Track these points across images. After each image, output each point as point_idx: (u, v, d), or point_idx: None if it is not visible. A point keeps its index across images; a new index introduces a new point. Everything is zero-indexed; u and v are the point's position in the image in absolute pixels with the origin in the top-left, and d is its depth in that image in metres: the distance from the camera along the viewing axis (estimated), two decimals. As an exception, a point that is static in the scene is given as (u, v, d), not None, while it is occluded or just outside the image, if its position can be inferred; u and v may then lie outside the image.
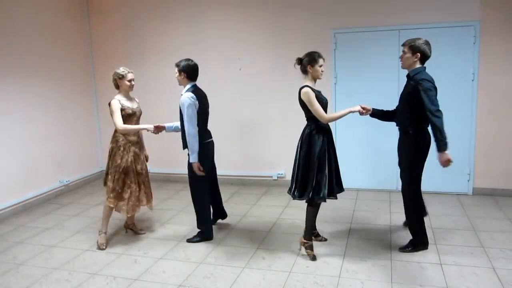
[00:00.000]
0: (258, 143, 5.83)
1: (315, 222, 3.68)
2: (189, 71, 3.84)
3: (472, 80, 4.96)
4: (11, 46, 4.97)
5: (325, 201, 3.46)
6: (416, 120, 3.46)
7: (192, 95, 3.77)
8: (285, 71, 5.55)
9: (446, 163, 3.31)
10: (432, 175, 5.19)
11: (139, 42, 6.12)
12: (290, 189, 3.63)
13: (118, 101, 3.83)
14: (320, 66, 3.50)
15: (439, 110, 3.30)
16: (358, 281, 3.16)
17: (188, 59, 3.89)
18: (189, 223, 4.41)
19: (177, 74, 3.85)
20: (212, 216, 4.24)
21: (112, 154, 3.87)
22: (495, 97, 4.94)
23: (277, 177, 5.84)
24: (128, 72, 3.89)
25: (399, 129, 3.69)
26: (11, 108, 4.99)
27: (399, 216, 4.45)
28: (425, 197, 5.06)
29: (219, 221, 4.42)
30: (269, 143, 5.80)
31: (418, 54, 3.40)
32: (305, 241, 3.57)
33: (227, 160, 5.96)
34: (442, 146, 3.31)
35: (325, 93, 3.71)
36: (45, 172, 5.48)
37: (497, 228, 4.09)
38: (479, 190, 5.12)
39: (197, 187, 3.97)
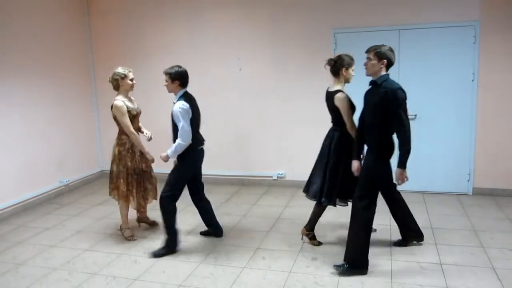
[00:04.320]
0: (258, 143, 5.83)
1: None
2: (182, 78, 3.69)
3: (472, 80, 4.96)
4: (11, 46, 4.97)
5: (347, 204, 3.67)
6: (384, 133, 3.24)
7: (186, 104, 3.62)
8: (286, 70, 5.56)
9: (404, 180, 3.20)
10: (432, 175, 5.22)
11: (139, 42, 6.12)
12: (312, 193, 3.71)
13: (123, 103, 3.82)
14: (353, 70, 3.52)
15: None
16: (358, 281, 3.16)
17: (178, 66, 3.72)
18: (189, 223, 4.40)
19: (169, 82, 3.67)
20: (207, 230, 4.10)
21: (120, 158, 3.90)
22: (495, 97, 4.93)
23: (277, 177, 5.83)
24: (129, 71, 3.89)
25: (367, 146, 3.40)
26: (11, 108, 4.99)
27: (399, 216, 4.46)
28: (425, 197, 5.10)
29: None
30: (270, 143, 5.79)
31: (385, 60, 3.20)
32: (308, 232, 3.80)
33: (227, 160, 5.96)
34: (405, 163, 3.15)
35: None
36: (45, 172, 5.48)
37: (497, 228, 4.09)
38: (479, 190, 5.11)
39: (170, 190, 3.71)
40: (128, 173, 3.90)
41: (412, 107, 5.09)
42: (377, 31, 5.11)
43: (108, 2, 6.21)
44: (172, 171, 3.80)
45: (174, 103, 3.70)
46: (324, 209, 3.75)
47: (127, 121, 3.82)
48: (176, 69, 3.69)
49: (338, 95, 3.44)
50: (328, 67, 3.56)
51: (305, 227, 3.85)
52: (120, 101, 3.82)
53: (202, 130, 3.90)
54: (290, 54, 5.54)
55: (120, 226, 4.20)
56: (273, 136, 5.77)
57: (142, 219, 4.37)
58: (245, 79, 5.76)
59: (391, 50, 3.28)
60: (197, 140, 3.74)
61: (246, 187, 5.86)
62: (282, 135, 5.68)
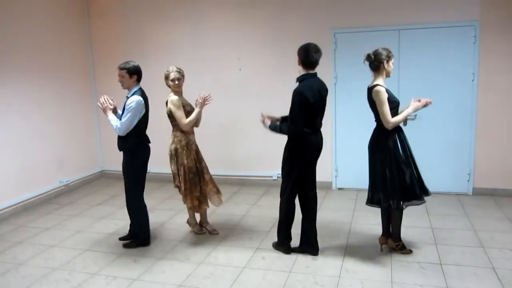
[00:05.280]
0: (258, 143, 5.82)
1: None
2: (139, 73, 3.76)
3: (472, 80, 4.96)
4: (11, 46, 4.97)
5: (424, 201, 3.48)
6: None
7: (141, 100, 3.68)
8: (285, 70, 5.55)
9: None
10: (432, 175, 5.21)
11: (139, 42, 6.12)
12: (377, 201, 3.48)
13: (178, 99, 3.81)
14: (393, 63, 3.43)
15: None
16: (358, 281, 3.16)
17: (133, 61, 3.78)
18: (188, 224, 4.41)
19: (126, 76, 3.69)
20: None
21: (176, 155, 3.86)
22: (495, 97, 4.93)
23: (277, 177, 5.83)
24: (172, 71, 3.84)
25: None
26: (11, 108, 5.00)
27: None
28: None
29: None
30: (269, 143, 5.78)
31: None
32: (396, 243, 3.57)
33: (227, 160, 5.96)
34: (273, 128, 3.86)
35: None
36: (45, 172, 5.48)
37: (497, 228, 4.09)
38: (479, 190, 5.11)
39: (133, 190, 3.84)
40: (186, 171, 3.84)
41: (412, 107, 5.16)
42: (377, 31, 5.11)
43: (108, 2, 6.21)
44: (129, 168, 3.82)
45: (127, 97, 3.74)
46: (401, 213, 3.51)
47: (180, 115, 3.77)
48: (132, 63, 3.76)
49: (376, 88, 3.32)
50: (367, 63, 3.42)
51: (392, 240, 3.60)
52: (174, 96, 3.83)
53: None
54: (290, 54, 5.49)
55: (187, 220, 4.22)
56: (273, 136, 5.74)
57: (203, 223, 4.22)
58: (245, 79, 5.76)
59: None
60: (146, 138, 3.90)
61: (246, 187, 5.86)
62: (282, 135, 5.67)
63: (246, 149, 5.90)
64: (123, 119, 3.65)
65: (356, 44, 5.29)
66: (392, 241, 3.59)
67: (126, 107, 3.66)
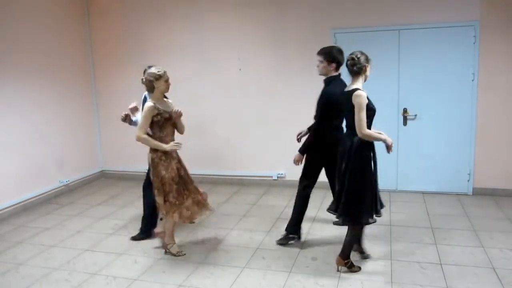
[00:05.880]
0: (258, 143, 5.82)
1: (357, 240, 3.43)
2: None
3: (472, 80, 4.96)
4: (11, 46, 4.97)
5: (375, 221, 3.27)
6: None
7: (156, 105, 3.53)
8: (285, 70, 5.56)
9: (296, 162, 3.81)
10: (432, 175, 5.22)
11: (139, 42, 6.12)
12: (335, 209, 3.30)
13: (154, 105, 3.43)
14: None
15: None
16: (358, 281, 3.16)
17: (156, 66, 3.62)
18: (187, 225, 4.40)
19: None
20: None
21: (154, 166, 3.51)
22: (495, 97, 4.93)
23: (277, 177, 5.83)
24: (164, 71, 3.50)
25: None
26: (11, 108, 4.99)
27: (399, 216, 4.46)
28: (425, 197, 5.10)
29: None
30: (270, 143, 5.79)
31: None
32: (345, 261, 3.29)
33: (227, 160, 5.96)
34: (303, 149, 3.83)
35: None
36: (45, 172, 5.48)
37: (497, 228, 4.09)
38: (479, 190, 5.11)
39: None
40: (164, 183, 3.48)
41: (412, 107, 5.17)
42: (377, 31, 5.11)
43: (108, 2, 6.21)
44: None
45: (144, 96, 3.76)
46: (361, 230, 3.43)
47: (143, 122, 3.45)
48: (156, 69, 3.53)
49: (357, 92, 3.13)
50: (350, 67, 3.23)
51: (340, 256, 3.34)
52: (151, 102, 3.47)
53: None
54: (290, 54, 5.54)
55: (163, 242, 3.79)
56: (273, 136, 5.77)
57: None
58: (245, 79, 5.76)
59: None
60: None
61: (246, 187, 5.86)
62: (282, 135, 5.68)
63: (246, 149, 5.90)
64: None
65: (356, 44, 5.22)
66: (340, 259, 3.30)
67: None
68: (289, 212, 4.74)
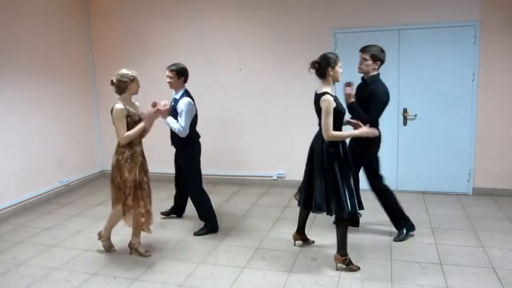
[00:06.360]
0: (258, 143, 5.83)
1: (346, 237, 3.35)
2: (187, 75, 3.93)
3: (472, 80, 4.96)
4: (11, 46, 4.97)
5: (358, 216, 3.37)
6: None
7: (191, 101, 3.90)
8: (285, 71, 5.56)
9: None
10: (432, 175, 5.22)
11: (139, 42, 6.12)
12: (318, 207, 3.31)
13: (124, 108, 3.45)
14: (340, 67, 3.33)
15: None
16: (358, 281, 3.16)
17: (181, 63, 3.95)
18: (189, 223, 4.41)
19: (174, 77, 3.89)
20: (172, 209, 4.62)
21: (118, 168, 3.51)
22: (495, 97, 4.93)
23: (277, 177, 5.83)
24: (137, 73, 3.54)
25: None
26: (11, 108, 4.99)
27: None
28: (425, 197, 5.10)
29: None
30: (269, 143, 5.79)
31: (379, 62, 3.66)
32: (343, 257, 3.30)
33: (227, 160, 5.96)
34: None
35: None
36: (45, 172, 5.48)
37: (497, 228, 4.09)
38: (479, 190, 5.11)
39: (196, 182, 4.09)
40: (126, 185, 3.49)
41: (412, 107, 5.17)
42: (377, 31, 5.11)
43: (108, 2, 6.21)
44: (186, 167, 4.07)
45: (176, 98, 3.92)
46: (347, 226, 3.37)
47: (120, 127, 3.44)
48: (181, 65, 3.91)
49: (324, 97, 3.20)
50: (313, 71, 3.30)
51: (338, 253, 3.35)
52: (120, 104, 3.46)
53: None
54: (290, 54, 5.54)
55: (100, 232, 3.85)
56: (273, 136, 5.77)
57: (133, 245, 3.76)
58: (245, 79, 5.76)
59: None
60: (198, 132, 4.12)
61: (246, 187, 5.85)
62: (282, 135, 5.69)
63: (246, 149, 5.90)
64: (183, 122, 3.83)
65: (356, 44, 5.26)
66: (338, 255, 3.32)
67: (179, 110, 3.85)
68: (289, 212, 4.77)
